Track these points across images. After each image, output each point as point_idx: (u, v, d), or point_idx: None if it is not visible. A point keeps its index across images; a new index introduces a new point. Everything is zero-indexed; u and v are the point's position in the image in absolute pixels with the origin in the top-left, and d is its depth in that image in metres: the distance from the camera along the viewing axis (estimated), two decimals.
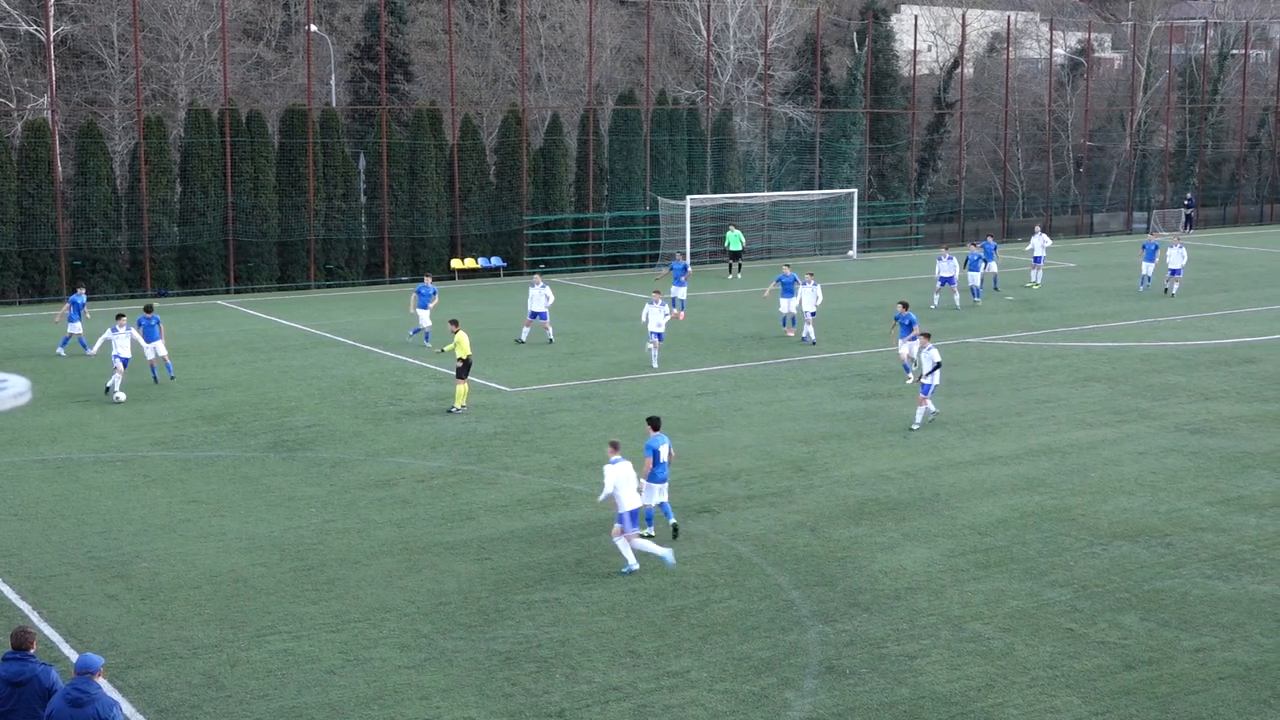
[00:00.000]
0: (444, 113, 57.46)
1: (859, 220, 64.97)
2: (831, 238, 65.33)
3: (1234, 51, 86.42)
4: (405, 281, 55.24)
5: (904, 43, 74.58)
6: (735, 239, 57.39)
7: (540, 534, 22.90)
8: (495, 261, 57.57)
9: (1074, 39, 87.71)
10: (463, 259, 56.92)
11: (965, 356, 39.05)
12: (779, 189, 65.15)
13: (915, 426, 29.88)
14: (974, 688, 17.10)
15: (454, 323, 32.62)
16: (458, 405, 31.62)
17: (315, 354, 39.72)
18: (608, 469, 20.87)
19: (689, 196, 59.63)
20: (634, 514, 20.82)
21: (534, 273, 48.04)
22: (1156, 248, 52.20)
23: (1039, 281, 53.20)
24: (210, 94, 57.40)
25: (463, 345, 31.61)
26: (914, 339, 33.07)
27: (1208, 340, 41.93)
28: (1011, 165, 77.09)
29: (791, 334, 41.55)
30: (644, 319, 37.55)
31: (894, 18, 77.18)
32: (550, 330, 40.90)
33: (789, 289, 41.72)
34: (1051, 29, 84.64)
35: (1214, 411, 32.18)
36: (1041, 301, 48.89)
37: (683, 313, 44.48)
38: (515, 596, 20.05)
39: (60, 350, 38.83)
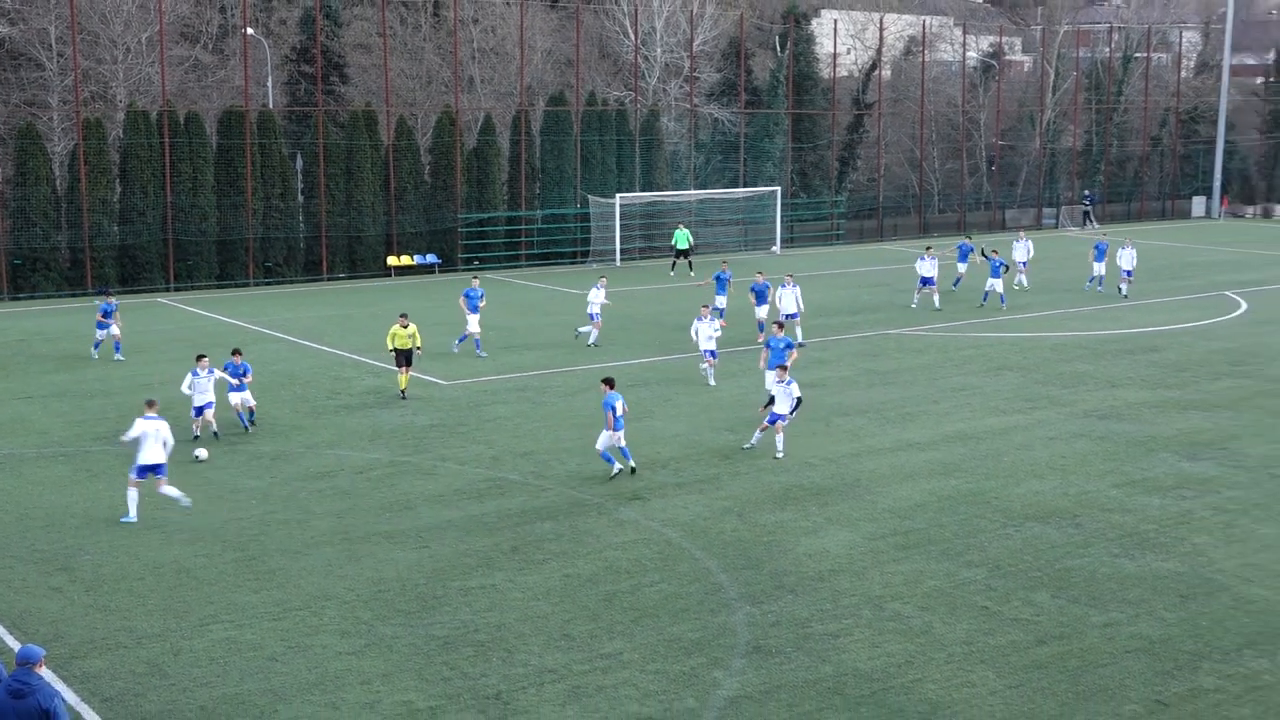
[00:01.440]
0: (379, 114, 57.16)
1: (782, 216, 65.36)
2: (756, 234, 65.60)
3: (1137, 55, 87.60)
4: (342, 278, 54.95)
5: (824, 46, 74.93)
6: (683, 237, 57.63)
7: (476, 522, 22.84)
8: (431, 259, 57.33)
9: (986, 42, 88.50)
10: (399, 256, 56.63)
11: (885, 347, 39.38)
12: (705, 187, 65.33)
13: (750, 445, 27.56)
14: (894, 664, 17.25)
15: (404, 316, 32.70)
16: (402, 388, 32.23)
17: (255, 350, 39.23)
18: (139, 421, 22.92)
19: (618, 195, 59.83)
20: (145, 469, 22.66)
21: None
22: (1106, 248, 51.46)
23: (1025, 285, 51.69)
24: (148, 96, 56.63)
25: (400, 338, 31.92)
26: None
27: (1114, 330, 42.53)
28: (927, 163, 77.71)
29: (762, 339, 39.42)
30: (694, 335, 34.62)
31: (814, 22, 77.45)
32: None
33: (761, 297, 40.29)
34: (964, 33, 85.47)
35: (1120, 398, 32.64)
36: (958, 295, 49.30)
37: (724, 321, 40.38)
38: (453, 583, 19.99)
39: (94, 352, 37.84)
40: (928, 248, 48.31)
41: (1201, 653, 17.68)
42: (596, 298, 39.64)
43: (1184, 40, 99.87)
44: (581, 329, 40.09)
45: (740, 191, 65.03)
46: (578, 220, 60.57)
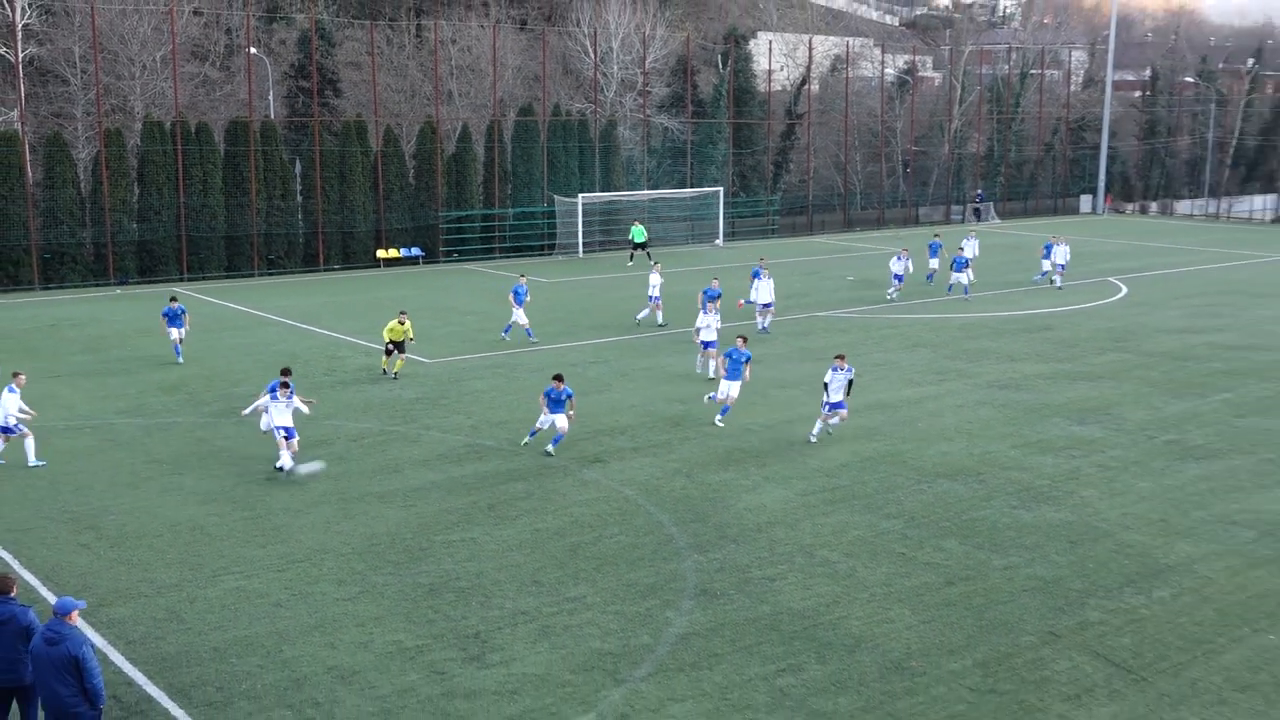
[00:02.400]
0: (369, 124, 56.82)
1: (724, 213, 65.46)
2: (701, 229, 65.61)
3: (1032, 71, 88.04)
4: (337, 269, 54.54)
5: (760, 63, 74.89)
6: (639, 232, 57.48)
7: (457, 484, 22.80)
8: (415, 251, 57.04)
9: (901, 61, 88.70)
10: (386, 249, 56.30)
11: (814, 328, 39.49)
12: (657, 188, 65.24)
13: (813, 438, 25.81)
14: (824, 603, 17.36)
15: (403, 313, 32.23)
16: (395, 370, 31.79)
17: (259, 333, 39.03)
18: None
19: (580, 195, 59.78)
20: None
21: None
22: (1053, 246, 50.25)
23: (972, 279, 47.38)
24: (163, 108, 55.92)
25: (396, 331, 31.58)
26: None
27: (1012, 312, 42.83)
28: (851, 167, 77.87)
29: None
30: (695, 330, 32.67)
31: (752, 42, 77.36)
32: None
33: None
34: (883, 52, 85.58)
35: (1018, 371, 32.89)
36: (877, 280, 49.47)
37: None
38: (436, 537, 19.96)
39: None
40: (904, 249, 47.26)
41: (1088, 590, 17.89)
42: (655, 281, 39.85)
43: (1073, 59, 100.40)
44: (641, 314, 40.06)
45: (687, 191, 65.04)
46: (545, 217, 60.45)
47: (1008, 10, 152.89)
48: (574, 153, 61.68)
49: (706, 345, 31.96)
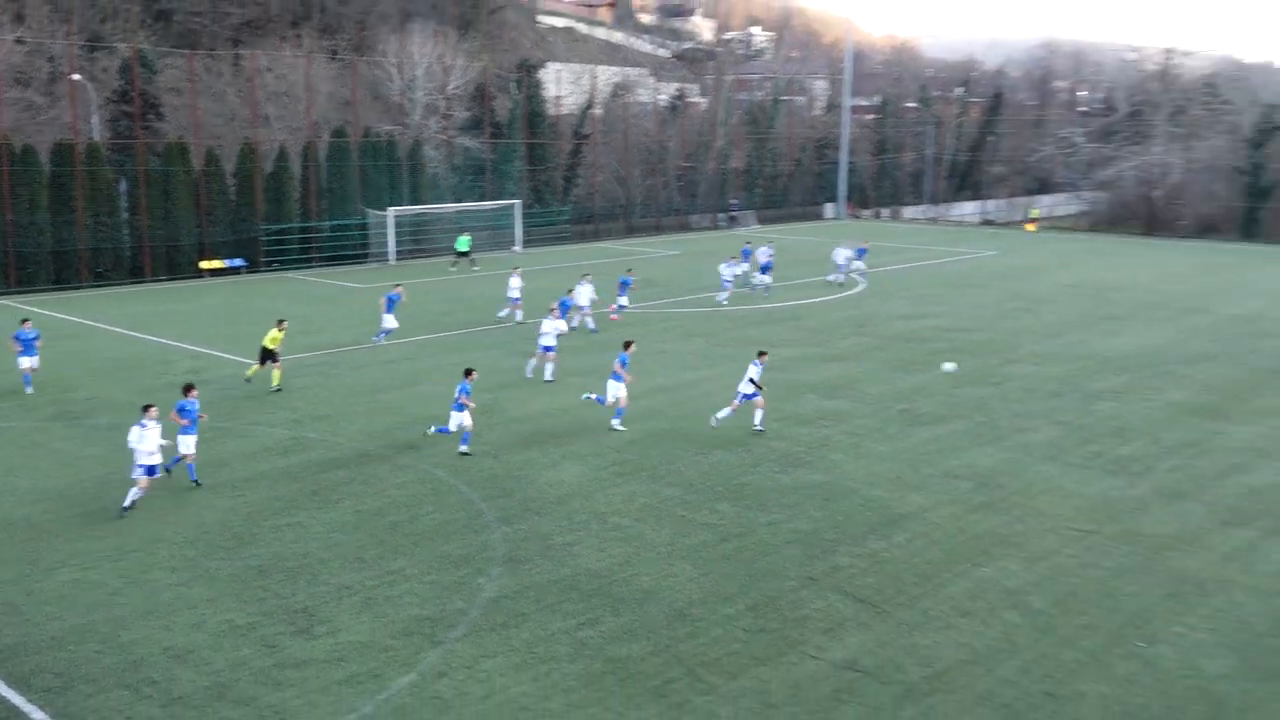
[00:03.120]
0: (190, 145, 54.35)
1: (521, 223, 65.27)
2: (501, 237, 65.17)
3: (783, 97, 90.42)
4: (163, 280, 52.01)
5: (550, 90, 74.80)
6: (464, 241, 56.73)
7: (282, 473, 22.10)
8: (238, 262, 54.89)
9: (673, 88, 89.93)
10: (210, 260, 54.02)
11: (603, 323, 39.71)
12: (460, 201, 64.46)
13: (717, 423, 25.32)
14: (617, 563, 17.53)
15: (282, 321, 29.84)
16: (276, 384, 29.10)
17: (89, 340, 36.92)
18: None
19: (391, 208, 58.68)
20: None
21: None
22: (865, 251, 51.60)
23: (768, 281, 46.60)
24: None
25: (275, 339, 29.23)
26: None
27: (771, 305, 43.97)
28: (630, 180, 78.53)
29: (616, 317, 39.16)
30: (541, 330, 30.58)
31: (542, 71, 77.10)
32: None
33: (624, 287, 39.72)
34: (656, 81, 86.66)
35: (777, 355, 33.66)
36: (656, 280, 50.05)
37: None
38: (264, 523, 19.33)
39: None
40: (733, 258, 46.58)
41: (839, 540, 18.56)
42: (515, 284, 39.37)
43: (816, 87, 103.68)
44: (502, 312, 39.38)
45: (488, 204, 64.50)
46: (358, 229, 58.99)
47: (761, 45, 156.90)
48: (384, 170, 60.43)
49: (545, 349, 30.23)
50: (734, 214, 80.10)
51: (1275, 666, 14.39)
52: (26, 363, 28.80)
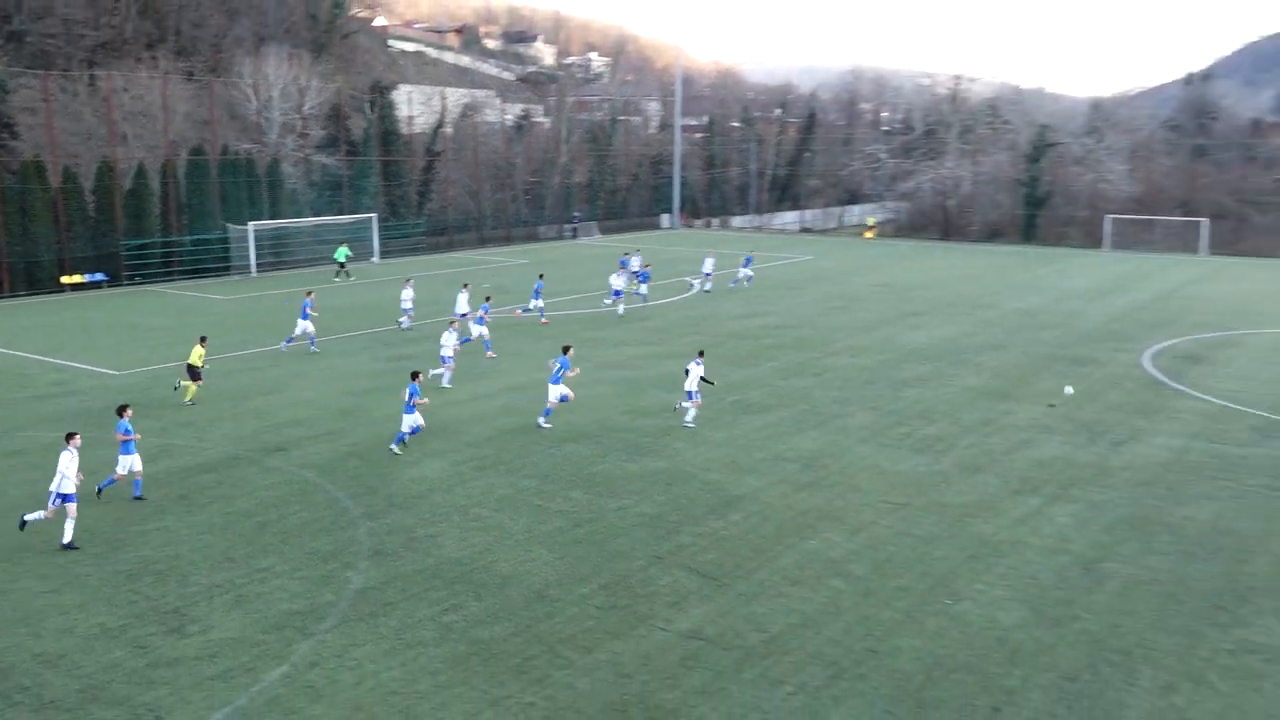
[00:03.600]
0: (47, 164, 51.32)
1: (378, 235, 63.94)
2: (359, 249, 63.58)
3: (620, 117, 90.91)
4: (23, 295, 49.03)
5: (403, 110, 73.46)
6: (342, 252, 55.28)
7: (150, 479, 21.07)
8: (99, 276, 52.15)
9: (518, 108, 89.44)
10: (71, 275, 51.16)
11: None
12: (319, 215, 62.71)
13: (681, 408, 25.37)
14: (477, 551, 17.35)
15: (203, 339, 28.24)
16: (189, 398, 27.39)
17: None
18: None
19: (251, 223, 56.69)
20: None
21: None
22: (751, 259, 51.82)
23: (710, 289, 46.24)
24: None
25: (197, 355, 27.51)
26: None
27: (611, 308, 44.12)
28: (481, 195, 77.77)
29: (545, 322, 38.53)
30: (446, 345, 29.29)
31: (394, 92, 75.67)
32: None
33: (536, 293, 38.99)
34: (503, 102, 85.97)
35: (624, 353, 34.00)
36: (508, 287, 49.65)
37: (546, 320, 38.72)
38: (133, 528, 18.42)
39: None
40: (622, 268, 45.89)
41: (682, 521, 18.78)
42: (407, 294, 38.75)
43: (650, 108, 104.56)
44: (403, 322, 38.26)
45: (345, 218, 62.93)
46: (219, 243, 56.75)
47: (599, 69, 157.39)
48: (244, 186, 58.28)
49: (444, 360, 29.29)
50: (577, 225, 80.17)
51: (1060, 615, 15.20)
52: None
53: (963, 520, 18.91)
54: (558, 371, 24.98)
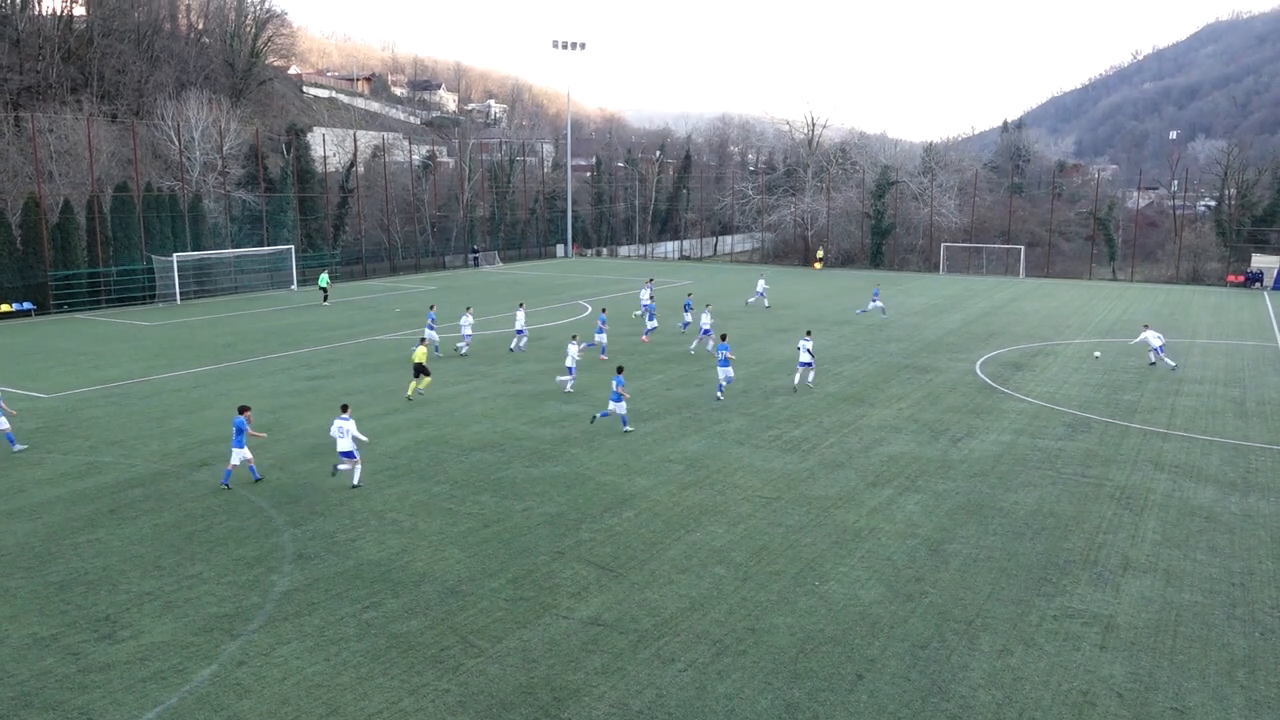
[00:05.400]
0: None
1: (296, 265, 62.20)
2: (279, 278, 61.87)
3: (518, 158, 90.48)
4: None
5: (318, 150, 71.73)
6: (324, 279, 54.67)
7: (80, 495, 20.03)
8: (27, 305, 49.42)
9: (425, 149, 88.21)
10: None
11: (373, 349, 38.36)
12: (240, 247, 60.68)
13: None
14: (394, 553, 16.94)
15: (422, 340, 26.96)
16: (422, 389, 25.68)
17: None
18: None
19: (175, 254, 54.54)
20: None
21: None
22: (690, 305, 44.04)
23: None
24: None
25: (422, 354, 26.79)
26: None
27: (513, 330, 43.71)
28: (392, 227, 76.41)
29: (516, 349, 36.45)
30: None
31: (309, 134, 73.87)
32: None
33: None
34: (410, 144, 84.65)
35: (524, 370, 33.66)
36: (419, 311, 48.79)
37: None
38: (64, 541, 17.43)
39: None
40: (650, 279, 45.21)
41: (581, 519, 18.67)
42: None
43: (544, 150, 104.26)
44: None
45: (265, 250, 61.01)
46: (145, 273, 54.41)
47: (498, 115, 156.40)
48: (167, 220, 56.03)
49: (570, 370, 29.84)
50: (477, 255, 79.47)
51: (911, 591, 15.60)
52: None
53: (827, 511, 19.26)
54: (615, 391, 24.98)
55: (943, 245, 76.40)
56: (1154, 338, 34.46)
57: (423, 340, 31.55)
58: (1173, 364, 34.16)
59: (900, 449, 23.68)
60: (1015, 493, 20.38)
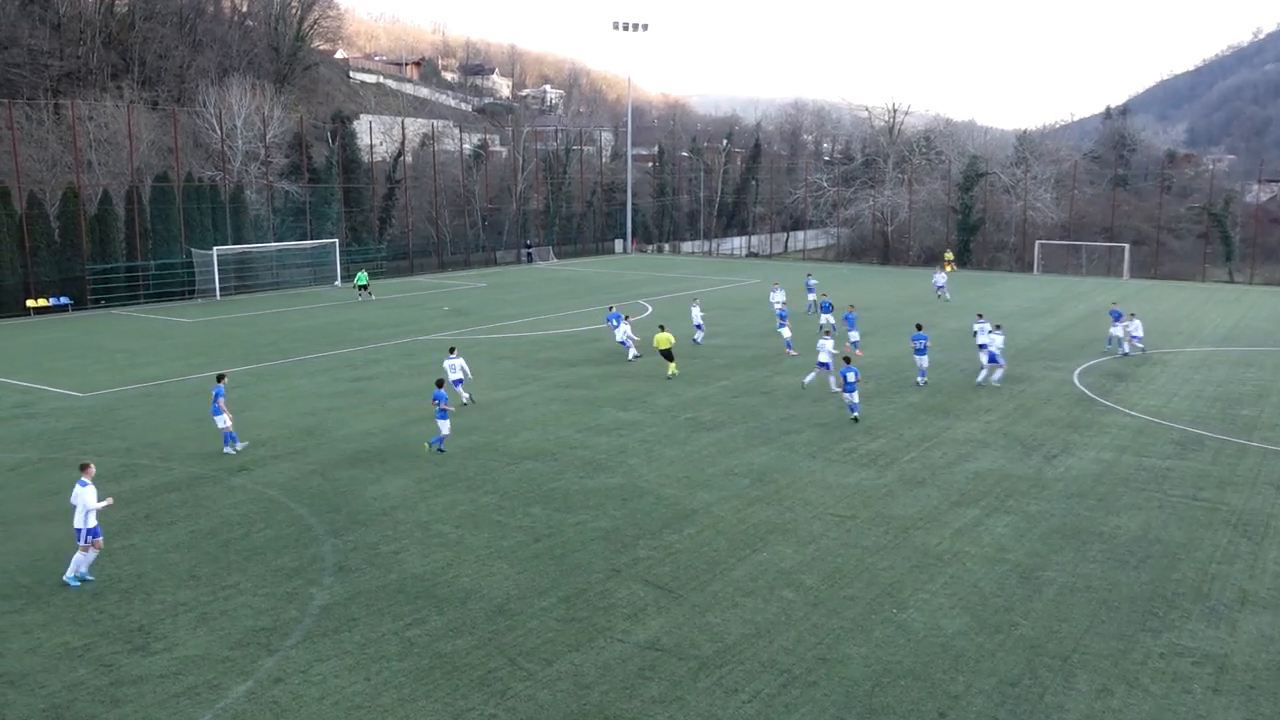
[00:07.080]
0: (12, 189, 50.24)
1: (340, 260, 63.36)
2: (321, 273, 63.07)
3: (574, 147, 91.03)
4: None
5: (364, 139, 72.98)
6: (363, 277, 56.07)
7: (116, 498, 20.48)
8: (64, 300, 51.08)
9: (476, 138, 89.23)
10: (36, 299, 50.05)
11: (416, 349, 38.88)
12: (282, 240, 61.99)
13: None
14: (440, 567, 17.09)
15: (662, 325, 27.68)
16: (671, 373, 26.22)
17: None
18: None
19: (215, 248, 55.86)
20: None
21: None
22: (812, 286, 50.59)
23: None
24: None
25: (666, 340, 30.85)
26: None
27: (567, 330, 44.01)
28: (441, 221, 77.40)
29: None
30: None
31: (355, 122, 75.18)
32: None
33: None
34: (461, 132, 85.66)
35: (577, 373, 33.84)
36: (469, 309, 49.35)
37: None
38: None
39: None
40: (776, 282, 46.01)
41: (638, 535, 18.66)
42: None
43: (603, 138, 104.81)
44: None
45: (308, 243, 62.26)
46: (184, 267, 55.88)
47: (554, 101, 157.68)
48: (208, 212, 57.48)
49: (821, 366, 31.09)
50: (531, 251, 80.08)
51: (1000, 622, 15.29)
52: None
53: (907, 532, 18.98)
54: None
55: (1037, 243, 74.99)
56: (1136, 327, 37.53)
57: (662, 326, 33.96)
58: (1129, 351, 37.29)
59: (988, 465, 23.26)
60: (1117, 516, 19.87)
